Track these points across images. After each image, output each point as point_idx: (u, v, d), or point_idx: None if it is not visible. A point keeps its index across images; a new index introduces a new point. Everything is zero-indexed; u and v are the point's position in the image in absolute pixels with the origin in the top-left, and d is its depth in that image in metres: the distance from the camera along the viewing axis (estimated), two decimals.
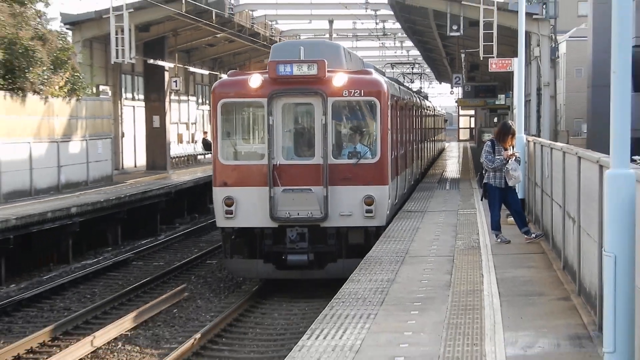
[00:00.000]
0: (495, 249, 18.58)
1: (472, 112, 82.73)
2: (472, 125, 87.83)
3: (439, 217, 25.03)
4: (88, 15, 41.95)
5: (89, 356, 17.77)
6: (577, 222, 14.20)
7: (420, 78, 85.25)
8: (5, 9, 34.21)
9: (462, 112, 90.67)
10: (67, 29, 42.73)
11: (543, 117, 42.07)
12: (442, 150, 63.94)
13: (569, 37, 53.05)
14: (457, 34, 41.34)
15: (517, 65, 29.74)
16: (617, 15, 7.76)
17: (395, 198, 23.51)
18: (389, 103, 20.03)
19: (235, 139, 21.07)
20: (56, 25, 42.58)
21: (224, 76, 36.64)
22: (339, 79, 19.28)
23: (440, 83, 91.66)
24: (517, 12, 28.98)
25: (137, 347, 18.51)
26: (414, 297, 14.05)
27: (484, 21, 37.54)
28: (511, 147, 20.98)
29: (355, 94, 19.47)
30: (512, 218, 21.03)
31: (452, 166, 53.02)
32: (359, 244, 18.93)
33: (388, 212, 20.63)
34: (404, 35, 61.60)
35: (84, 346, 17.88)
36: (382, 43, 70.51)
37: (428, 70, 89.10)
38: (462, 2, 40.37)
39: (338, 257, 19.16)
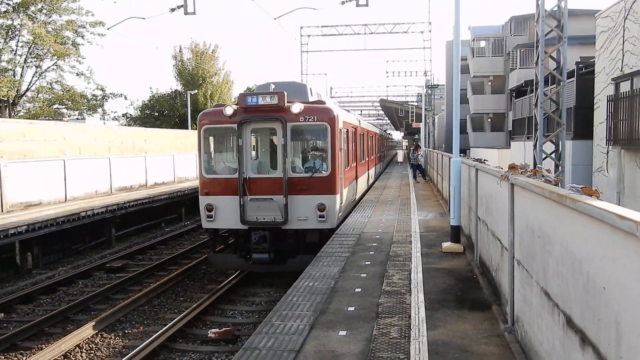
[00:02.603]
0: (415, 186, 18.34)
1: (406, 140, 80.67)
2: (407, 144, 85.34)
3: (396, 174, 24.75)
4: None
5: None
6: (442, 176, 14.08)
7: (389, 127, 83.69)
8: None
9: (404, 140, 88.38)
10: None
11: (431, 141, 41.71)
12: (396, 154, 62.18)
13: (438, 116, 51.81)
14: (402, 115, 41.08)
15: (422, 125, 29.82)
16: (454, 108, 7.64)
17: (351, 199, 11.91)
18: (339, 127, 9.76)
19: (215, 157, 10.22)
20: None
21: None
22: (296, 107, 9.20)
23: (396, 130, 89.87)
24: (421, 108, 29.18)
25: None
26: (387, 200, 13.85)
27: (411, 111, 37.42)
28: (419, 151, 21.11)
29: (310, 120, 9.28)
30: (421, 174, 21.11)
31: (400, 159, 52.39)
32: (315, 243, 9.23)
33: (340, 215, 9.94)
34: (385, 115, 61.07)
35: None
36: (378, 118, 72.87)
37: (392, 126, 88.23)
38: (403, 105, 40.33)
39: (297, 253, 9.35)
